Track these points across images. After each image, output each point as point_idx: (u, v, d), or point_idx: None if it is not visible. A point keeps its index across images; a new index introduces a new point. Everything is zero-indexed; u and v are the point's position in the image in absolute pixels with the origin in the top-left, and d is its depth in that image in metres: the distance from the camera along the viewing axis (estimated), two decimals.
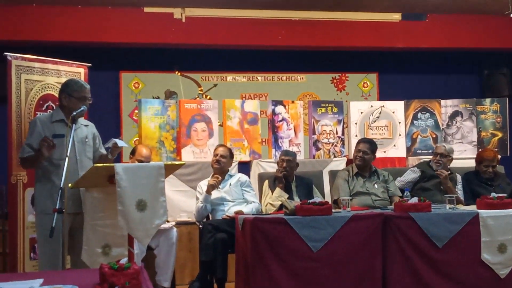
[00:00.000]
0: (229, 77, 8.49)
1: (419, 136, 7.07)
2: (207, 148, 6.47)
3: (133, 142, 7.79)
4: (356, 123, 7.02)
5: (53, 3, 7.24)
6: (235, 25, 7.82)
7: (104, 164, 3.95)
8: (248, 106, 6.70)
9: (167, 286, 5.39)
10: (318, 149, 6.82)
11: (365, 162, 5.87)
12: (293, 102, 6.88)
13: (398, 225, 4.82)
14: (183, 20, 7.68)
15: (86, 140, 4.44)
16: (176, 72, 8.28)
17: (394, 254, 4.80)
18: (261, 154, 6.73)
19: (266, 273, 4.59)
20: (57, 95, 4.64)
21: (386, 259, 4.80)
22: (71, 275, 3.21)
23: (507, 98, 7.32)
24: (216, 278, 5.23)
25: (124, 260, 2.93)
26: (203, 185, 5.71)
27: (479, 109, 7.15)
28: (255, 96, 8.44)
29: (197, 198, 5.72)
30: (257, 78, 8.56)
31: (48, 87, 5.20)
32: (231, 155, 5.88)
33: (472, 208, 5.17)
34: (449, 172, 6.00)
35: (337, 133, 6.89)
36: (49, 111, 4.94)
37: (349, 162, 6.61)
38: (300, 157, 6.51)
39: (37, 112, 5.06)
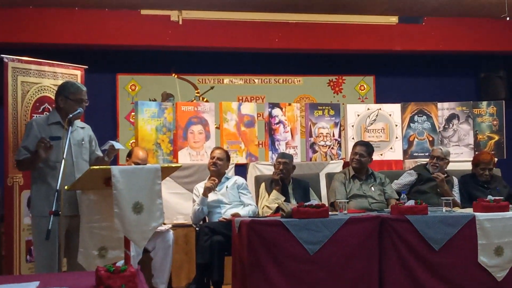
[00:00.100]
0: (226, 79, 8.49)
1: (415, 139, 7.08)
2: (203, 150, 6.47)
3: (129, 144, 7.78)
4: (352, 126, 7.02)
5: (49, 5, 7.23)
6: (232, 28, 7.82)
7: (101, 167, 3.95)
8: (245, 108, 6.70)
9: None
10: (314, 151, 6.82)
11: (361, 164, 5.87)
12: (290, 104, 6.88)
13: (394, 228, 4.82)
14: (180, 23, 7.68)
15: (83, 142, 4.43)
16: (173, 75, 8.28)
17: (391, 257, 4.80)
18: (257, 156, 6.73)
19: (263, 276, 4.58)
20: (53, 97, 4.63)
21: (383, 262, 4.80)
22: (67, 278, 3.20)
23: (503, 101, 7.33)
24: (212, 280, 5.22)
25: (120, 263, 2.93)
26: (200, 187, 5.70)
27: (476, 112, 7.15)
28: (252, 98, 8.44)
29: (194, 201, 5.71)
30: (254, 81, 8.56)
31: (45, 89, 5.20)
32: (227, 158, 5.88)
33: (469, 211, 5.17)
34: (445, 175, 6.01)
35: (333, 135, 6.90)
36: (46, 113, 4.93)
37: (345, 164, 6.61)
38: (296, 160, 6.51)
39: (33, 114, 5.05)
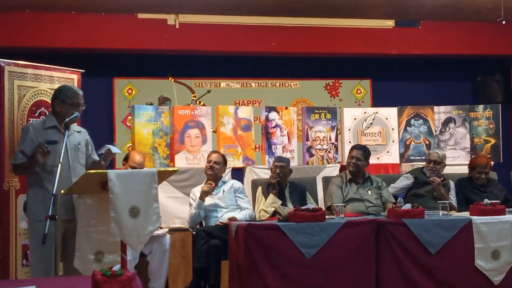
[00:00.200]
0: (223, 83, 8.49)
1: (412, 143, 7.08)
2: (200, 154, 6.46)
3: (126, 148, 7.78)
4: (349, 130, 7.02)
5: (46, 9, 7.22)
6: (228, 32, 7.82)
7: (97, 171, 3.95)
8: (242, 112, 6.70)
9: None
10: (311, 155, 6.82)
11: (358, 168, 5.87)
12: (286, 108, 6.88)
13: (391, 232, 4.82)
14: (177, 27, 7.67)
15: (79, 146, 4.42)
16: (170, 78, 8.28)
17: (388, 260, 4.80)
18: (254, 160, 6.73)
19: (260, 280, 4.58)
20: (50, 101, 4.62)
21: (380, 265, 4.80)
22: (64, 282, 3.20)
23: (500, 105, 7.34)
24: (209, 284, 5.21)
25: (117, 267, 2.93)
26: (197, 191, 5.70)
27: (472, 115, 7.17)
28: (249, 102, 8.44)
29: (191, 205, 5.71)
30: (250, 85, 8.56)
31: (41, 93, 5.19)
32: (224, 162, 5.88)
33: (465, 214, 5.18)
34: (442, 178, 6.02)
35: (330, 139, 6.90)
36: (42, 118, 4.92)
37: (342, 168, 6.61)
38: (293, 164, 6.51)
39: (30, 119, 5.04)
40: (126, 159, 5.63)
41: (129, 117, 7.48)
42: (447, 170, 6.25)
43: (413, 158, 7.05)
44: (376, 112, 7.12)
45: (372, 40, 8.17)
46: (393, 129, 7.09)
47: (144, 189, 3.91)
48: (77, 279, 3.45)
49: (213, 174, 5.73)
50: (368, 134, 7.04)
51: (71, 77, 5.46)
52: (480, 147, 7.10)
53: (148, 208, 3.91)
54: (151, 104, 7.79)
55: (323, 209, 5.15)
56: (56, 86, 4.90)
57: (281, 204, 5.47)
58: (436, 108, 7.16)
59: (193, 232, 5.58)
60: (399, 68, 8.77)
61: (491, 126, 7.14)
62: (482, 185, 6.03)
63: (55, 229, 3.90)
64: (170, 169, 4.89)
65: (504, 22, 7.34)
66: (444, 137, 7.13)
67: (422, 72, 8.84)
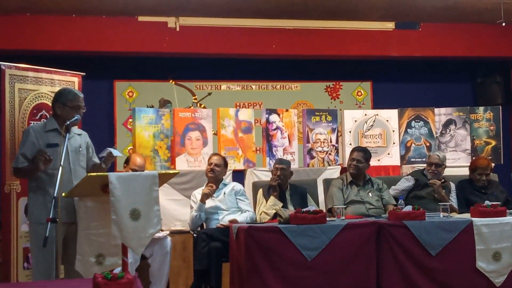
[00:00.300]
0: (223, 85, 8.49)
1: (413, 145, 7.08)
2: (201, 157, 6.47)
3: (127, 151, 7.77)
4: (350, 132, 7.02)
5: (47, 12, 7.23)
6: (229, 34, 7.82)
7: (98, 173, 3.96)
8: (242, 114, 6.71)
9: None
10: (312, 157, 6.83)
11: (359, 170, 5.88)
12: (287, 110, 6.88)
13: (392, 234, 4.82)
14: (177, 29, 7.68)
15: (80, 149, 4.43)
16: (170, 81, 8.28)
17: (388, 262, 4.81)
18: (255, 162, 6.73)
19: (261, 282, 4.58)
20: (50, 104, 4.63)
21: (380, 267, 4.80)
22: (65, 285, 3.20)
23: (500, 106, 7.34)
24: (210, 287, 5.21)
25: (117, 270, 2.93)
26: (197, 194, 5.70)
27: (473, 117, 7.16)
28: (249, 104, 8.44)
29: (191, 207, 5.70)
30: (251, 87, 8.57)
31: (42, 96, 5.20)
32: (225, 164, 5.88)
33: (466, 216, 5.18)
34: (442, 180, 6.02)
35: (331, 141, 6.90)
36: (43, 120, 4.93)
37: (343, 170, 6.61)
38: (294, 166, 6.51)
39: (30, 122, 5.05)
40: (127, 161, 5.63)
41: (130, 120, 7.49)
42: (448, 172, 6.25)
43: (413, 160, 7.04)
44: (377, 114, 7.12)
45: (373, 42, 8.17)
46: (393, 131, 7.09)
47: (145, 192, 3.92)
48: (78, 282, 3.46)
49: (214, 176, 5.73)
50: (369, 136, 7.04)
51: (71, 80, 5.46)
52: (480, 149, 7.10)
53: (149, 210, 3.92)
54: (152, 106, 7.80)
55: (324, 211, 5.14)
56: (57, 89, 4.90)
57: (282, 206, 5.47)
58: (436, 110, 7.16)
59: (194, 235, 5.58)
60: (400, 70, 8.78)
61: (492, 127, 7.13)
62: (482, 186, 6.03)
63: (56, 232, 3.90)
64: (171, 171, 4.89)
65: (504, 24, 7.35)
66: (444, 139, 7.13)
67: (423, 74, 8.85)
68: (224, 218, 5.59)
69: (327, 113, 6.96)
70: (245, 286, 4.63)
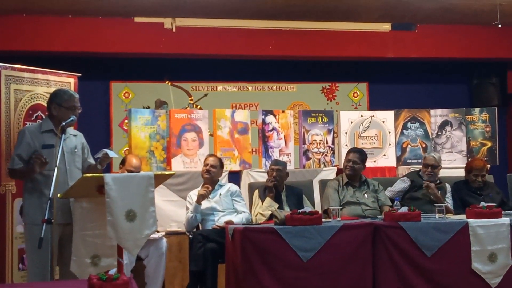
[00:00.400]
0: (220, 86, 8.50)
1: (409, 146, 7.09)
2: (197, 158, 6.46)
3: (123, 152, 7.77)
4: (346, 133, 7.03)
5: (43, 13, 7.22)
6: (225, 35, 7.83)
7: (94, 174, 3.95)
8: (239, 115, 6.71)
9: None
10: (308, 158, 6.83)
11: (355, 171, 5.88)
12: (283, 111, 6.88)
13: (388, 235, 4.83)
14: (174, 30, 7.68)
15: (75, 150, 4.42)
16: (167, 82, 8.28)
17: (384, 263, 4.81)
18: (251, 163, 6.73)
19: (256, 283, 4.58)
20: (46, 105, 4.62)
21: (376, 268, 4.81)
22: (60, 286, 3.19)
23: (496, 108, 7.36)
24: None
25: (113, 271, 2.93)
26: (193, 195, 5.70)
27: (469, 118, 7.17)
28: (246, 105, 8.44)
29: (187, 208, 5.70)
30: (247, 88, 8.57)
31: (38, 97, 5.19)
32: (221, 165, 5.87)
33: (462, 217, 5.18)
34: (438, 181, 6.03)
35: (327, 142, 6.90)
36: (38, 121, 4.92)
37: (339, 171, 6.61)
38: (290, 167, 6.51)
39: (26, 122, 5.04)
40: (122, 162, 5.63)
41: (126, 121, 7.49)
42: (443, 173, 6.26)
43: (409, 161, 7.05)
44: (373, 115, 7.13)
45: (369, 44, 8.18)
46: (389, 132, 7.10)
47: (140, 193, 3.91)
48: (73, 283, 3.45)
49: (210, 177, 5.73)
50: (365, 137, 7.04)
51: (67, 81, 5.46)
52: (476, 150, 7.11)
53: (145, 211, 3.91)
54: (148, 107, 7.79)
55: (320, 212, 5.15)
56: (53, 90, 4.89)
57: (278, 208, 5.47)
58: (432, 111, 7.17)
59: (190, 236, 5.58)
60: (396, 71, 8.79)
61: (488, 129, 7.15)
62: (478, 188, 6.04)
63: (52, 233, 3.90)
64: (166, 172, 4.88)
65: (500, 26, 7.36)
66: (440, 140, 7.14)
67: (419, 75, 8.86)
68: (220, 219, 5.58)
69: (323, 114, 6.97)
70: (241, 287, 4.63)
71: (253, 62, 8.34)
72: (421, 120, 7.11)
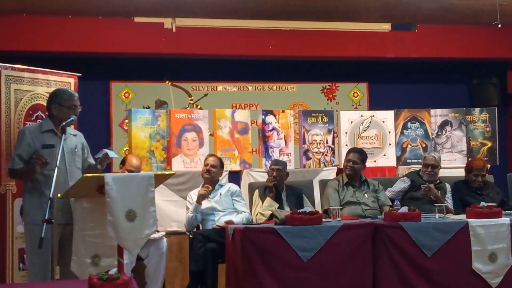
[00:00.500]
0: (220, 86, 8.50)
1: (409, 146, 7.09)
2: (197, 157, 6.46)
3: (123, 152, 7.77)
4: (346, 133, 7.03)
5: (43, 13, 7.22)
6: (225, 35, 7.83)
7: (94, 174, 3.95)
8: (239, 115, 6.71)
9: None
10: (308, 158, 6.83)
11: (355, 171, 5.87)
12: (283, 111, 6.88)
13: (388, 235, 4.83)
14: (174, 30, 7.68)
15: (76, 150, 4.42)
16: (167, 82, 8.28)
17: (385, 263, 4.81)
18: (251, 163, 6.73)
19: (257, 283, 4.58)
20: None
21: (377, 268, 4.81)
22: (60, 286, 3.19)
23: (496, 108, 7.36)
24: None
25: (113, 271, 2.93)
26: (194, 195, 5.70)
27: (469, 118, 7.17)
28: (246, 105, 8.45)
29: (187, 208, 5.70)
30: (247, 88, 8.57)
31: (38, 97, 5.19)
32: (221, 165, 5.87)
33: (462, 217, 5.18)
34: (438, 181, 6.03)
35: (327, 142, 6.90)
36: (39, 121, 4.92)
37: (339, 171, 6.61)
38: (290, 167, 6.51)
39: (26, 122, 5.04)
40: (123, 162, 5.63)
41: (126, 121, 7.49)
42: (443, 173, 6.26)
43: (410, 161, 7.05)
44: (373, 115, 7.13)
45: (369, 44, 8.19)
46: (389, 132, 7.10)
47: (141, 193, 3.91)
48: (73, 283, 3.45)
49: (210, 177, 5.73)
50: (365, 137, 7.05)
51: (68, 81, 5.46)
52: (476, 150, 7.11)
53: (145, 211, 3.91)
54: (148, 107, 7.79)
55: (320, 212, 5.15)
56: (53, 89, 4.89)
57: (278, 207, 5.47)
58: (432, 111, 7.18)
59: (190, 236, 5.58)
60: (396, 71, 8.80)
61: (488, 129, 7.15)
62: (478, 187, 6.04)
63: (52, 233, 3.90)
64: (167, 172, 4.88)
65: (500, 26, 7.36)
66: (440, 140, 7.14)
67: (419, 75, 8.87)
68: (220, 219, 5.58)
69: (323, 114, 6.97)
70: (241, 287, 4.63)
71: (253, 62, 8.34)
72: (421, 120, 7.11)
